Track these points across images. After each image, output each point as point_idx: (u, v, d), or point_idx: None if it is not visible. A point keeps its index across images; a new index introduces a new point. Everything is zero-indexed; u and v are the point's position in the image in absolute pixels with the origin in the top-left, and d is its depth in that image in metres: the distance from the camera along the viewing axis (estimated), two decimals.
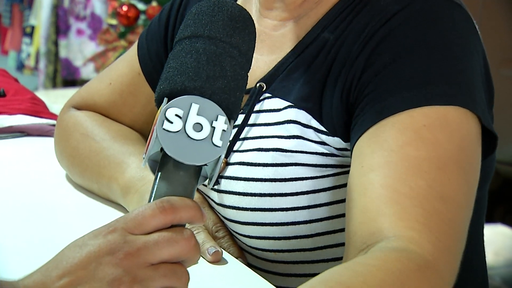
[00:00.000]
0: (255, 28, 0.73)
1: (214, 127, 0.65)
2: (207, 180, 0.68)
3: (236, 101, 0.68)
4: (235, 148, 0.92)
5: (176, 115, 0.65)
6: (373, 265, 0.66)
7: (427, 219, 0.72)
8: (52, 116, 1.50)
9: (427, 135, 0.77)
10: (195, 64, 0.67)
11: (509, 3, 2.49)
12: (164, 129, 0.64)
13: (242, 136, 0.92)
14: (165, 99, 0.66)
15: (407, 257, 0.67)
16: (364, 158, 0.78)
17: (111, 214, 1.01)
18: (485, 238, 0.98)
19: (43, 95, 2.73)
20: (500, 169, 2.55)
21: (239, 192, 0.90)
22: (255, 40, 0.73)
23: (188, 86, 0.66)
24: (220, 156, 0.65)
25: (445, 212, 0.73)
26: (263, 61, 0.94)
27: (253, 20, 0.73)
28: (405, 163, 0.75)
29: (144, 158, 0.66)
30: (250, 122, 0.92)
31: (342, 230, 0.88)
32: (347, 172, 0.84)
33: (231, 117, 0.67)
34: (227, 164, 0.92)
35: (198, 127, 0.65)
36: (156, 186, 0.65)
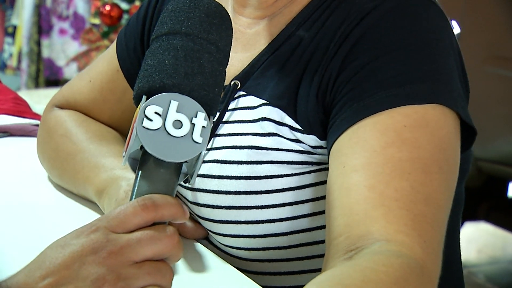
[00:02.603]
0: (231, 24, 0.73)
1: (194, 124, 0.65)
2: (188, 176, 0.68)
3: (215, 97, 0.68)
4: (209, 146, 0.92)
5: (156, 112, 0.64)
6: (382, 271, 0.66)
7: (414, 222, 0.72)
8: (35, 116, 1.49)
9: (408, 136, 0.77)
10: (173, 61, 0.67)
11: (491, 1, 2.50)
12: (144, 127, 0.64)
13: (216, 133, 0.92)
14: (144, 97, 0.66)
15: (407, 264, 0.68)
16: (345, 158, 0.78)
17: (94, 214, 1.00)
18: (469, 236, 0.98)
19: (25, 95, 2.72)
20: (483, 167, 2.56)
21: (213, 190, 0.89)
22: (232, 35, 0.73)
23: (167, 83, 0.66)
24: (200, 153, 0.65)
25: (429, 214, 0.74)
26: (237, 59, 0.94)
27: (229, 16, 0.73)
28: (389, 164, 0.76)
29: (124, 156, 0.66)
30: (224, 119, 0.92)
31: (318, 228, 0.88)
32: (324, 169, 0.84)
33: (211, 113, 0.67)
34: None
35: (178, 124, 0.65)
36: (137, 184, 0.65)
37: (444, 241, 0.76)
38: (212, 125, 0.67)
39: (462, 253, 1.04)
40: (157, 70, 0.67)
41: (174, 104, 0.65)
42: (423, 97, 0.79)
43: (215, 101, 0.68)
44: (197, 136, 0.65)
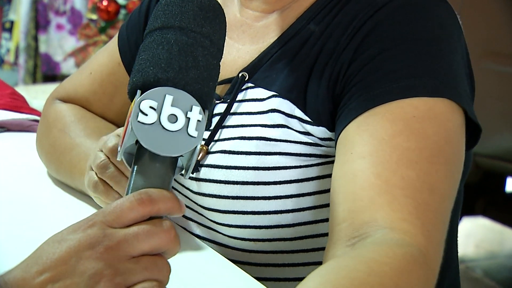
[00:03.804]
0: (225, 17, 0.73)
1: (189, 118, 0.65)
2: (183, 171, 0.68)
3: (209, 91, 0.68)
4: (216, 137, 0.92)
5: (151, 107, 0.64)
6: (386, 263, 0.66)
7: (418, 211, 0.73)
8: (32, 111, 1.49)
9: (417, 127, 0.78)
10: (167, 55, 0.67)
11: None
12: (139, 121, 0.64)
13: (223, 125, 0.92)
14: (138, 91, 0.66)
15: (410, 254, 0.68)
16: (353, 145, 0.79)
17: (92, 208, 1.01)
18: (467, 231, 0.99)
19: (23, 90, 2.71)
20: (480, 162, 2.57)
21: (220, 180, 0.90)
22: (226, 29, 0.73)
23: (161, 78, 0.66)
24: (196, 147, 0.65)
25: (433, 204, 0.75)
26: (244, 51, 0.95)
27: (222, 9, 0.73)
28: (396, 153, 0.76)
29: (119, 151, 0.66)
30: (231, 111, 0.92)
31: (323, 220, 0.89)
32: (331, 162, 0.85)
33: (205, 107, 0.67)
34: (208, 152, 0.92)
35: (173, 118, 0.64)
36: (132, 179, 0.65)
37: (446, 231, 0.76)
38: (207, 118, 0.67)
39: (460, 248, 1.04)
40: (151, 65, 0.66)
41: (169, 98, 0.65)
42: (432, 90, 0.80)
43: (210, 95, 0.68)
44: (192, 130, 0.65)
